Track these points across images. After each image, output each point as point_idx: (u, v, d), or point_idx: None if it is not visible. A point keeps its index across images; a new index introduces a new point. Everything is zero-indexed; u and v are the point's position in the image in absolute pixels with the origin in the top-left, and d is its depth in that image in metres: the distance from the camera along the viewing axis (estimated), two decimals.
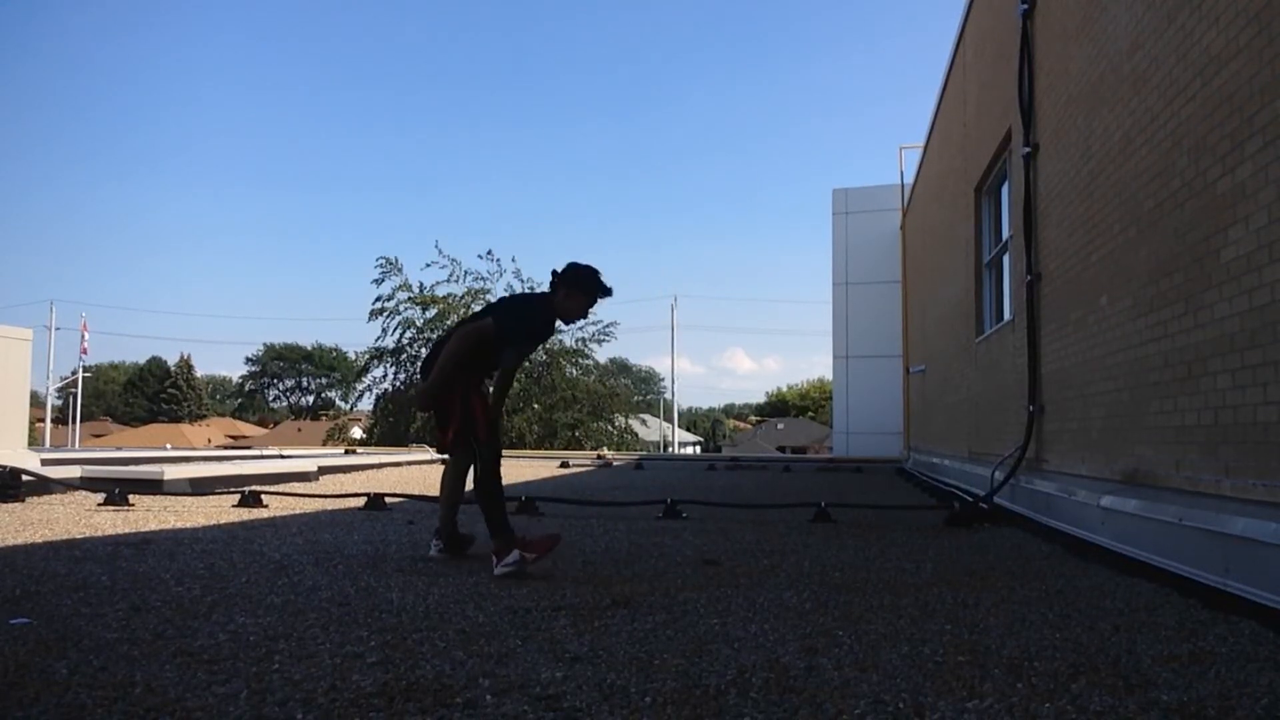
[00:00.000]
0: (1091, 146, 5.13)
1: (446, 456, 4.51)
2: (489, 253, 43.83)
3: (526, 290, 23.27)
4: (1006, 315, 7.84)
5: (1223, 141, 3.52)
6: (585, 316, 4.25)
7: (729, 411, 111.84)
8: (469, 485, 4.28)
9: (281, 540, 4.91)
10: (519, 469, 13.68)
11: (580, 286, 4.15)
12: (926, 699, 2.14)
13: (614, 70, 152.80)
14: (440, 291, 29.05)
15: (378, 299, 28.92)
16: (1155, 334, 4.18)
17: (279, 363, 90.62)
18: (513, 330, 4.18)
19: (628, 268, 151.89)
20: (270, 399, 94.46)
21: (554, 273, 4.19)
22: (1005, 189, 8.09)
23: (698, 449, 64.80)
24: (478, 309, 4.33)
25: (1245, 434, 3.32)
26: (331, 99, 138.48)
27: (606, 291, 4.19)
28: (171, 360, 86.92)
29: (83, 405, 49.84)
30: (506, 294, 4.36)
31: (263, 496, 6.99)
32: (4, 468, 7.03)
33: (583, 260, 4.24)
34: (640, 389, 71.56)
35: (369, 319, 29.05)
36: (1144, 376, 4.31)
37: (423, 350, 27.72)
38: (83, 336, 44.93)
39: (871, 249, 19.26)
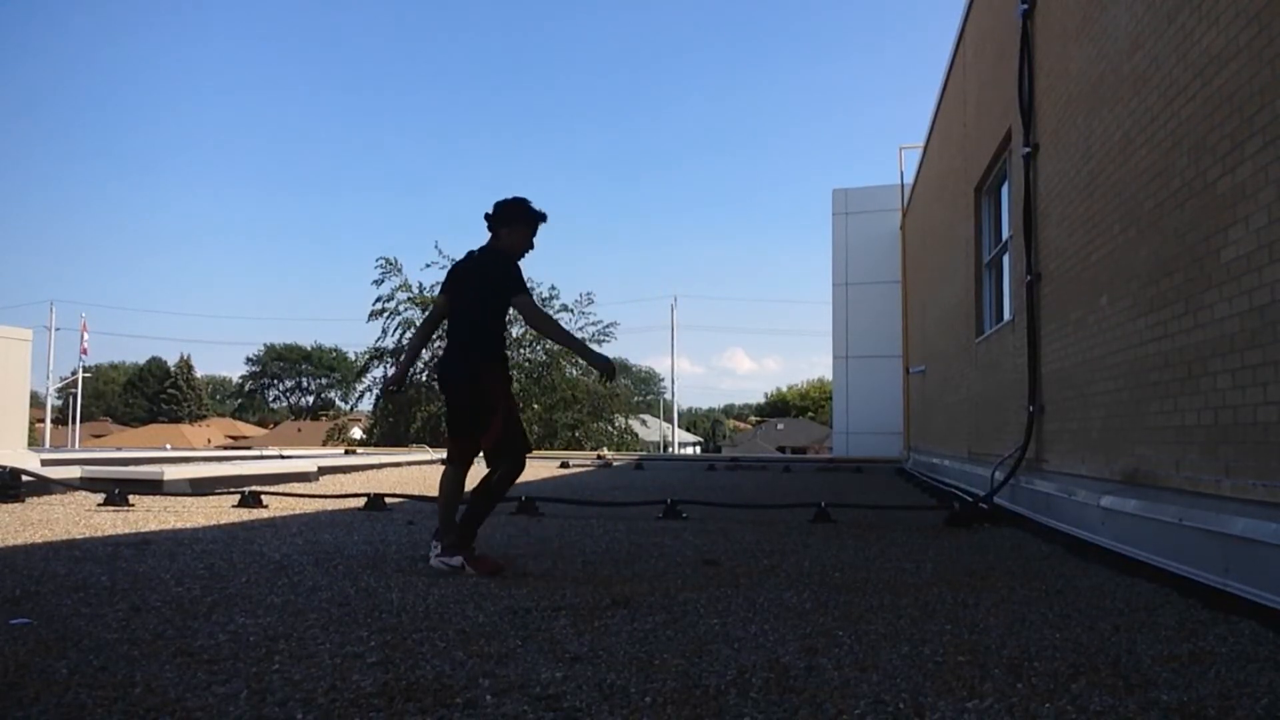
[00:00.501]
0: (1091, 146, 5.13)
1: (444, 457, 4.51)
2: None
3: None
4: (1006, 315, 7.84)
5: (1223, 141, 3.52)
6: (532, 247, 4.30)
7: (729, 412, 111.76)
8: (467, 487, 4.28)
9: (281, 541, 4.91)
10: None
11: (518, 221, 4.23)
12: (926, 699, 2.14)
13: (614, 70, 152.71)
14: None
15: (378, 299, 28.94)
16: (1155, 334, 4.18)
17: (279, 363, 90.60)
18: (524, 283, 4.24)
19: (628, 268, 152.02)
20: (270, 399, 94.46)
21: (487, 216, 4.23)
22: (1005, 189, 8.09)
23: (698, 449, 64.77)
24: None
25: (1245, 434, 3.32)
26: (331, 99, 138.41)
27: (542, 216, 4.28)
28: (171, 360, 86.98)
29: (83, 405, 49.83)
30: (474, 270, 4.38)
31: (263, 497, 6.99)
32: (4, 468, 7.03)
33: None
34: (640, 389, 71.57)
35: (369, 319, 29.09)
36: (1144, 376, 4.31)
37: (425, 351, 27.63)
38: (82, 337, 44.91)
39: (871, 249, 19.26)
